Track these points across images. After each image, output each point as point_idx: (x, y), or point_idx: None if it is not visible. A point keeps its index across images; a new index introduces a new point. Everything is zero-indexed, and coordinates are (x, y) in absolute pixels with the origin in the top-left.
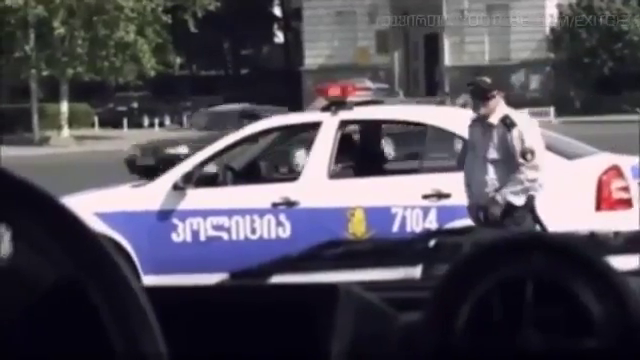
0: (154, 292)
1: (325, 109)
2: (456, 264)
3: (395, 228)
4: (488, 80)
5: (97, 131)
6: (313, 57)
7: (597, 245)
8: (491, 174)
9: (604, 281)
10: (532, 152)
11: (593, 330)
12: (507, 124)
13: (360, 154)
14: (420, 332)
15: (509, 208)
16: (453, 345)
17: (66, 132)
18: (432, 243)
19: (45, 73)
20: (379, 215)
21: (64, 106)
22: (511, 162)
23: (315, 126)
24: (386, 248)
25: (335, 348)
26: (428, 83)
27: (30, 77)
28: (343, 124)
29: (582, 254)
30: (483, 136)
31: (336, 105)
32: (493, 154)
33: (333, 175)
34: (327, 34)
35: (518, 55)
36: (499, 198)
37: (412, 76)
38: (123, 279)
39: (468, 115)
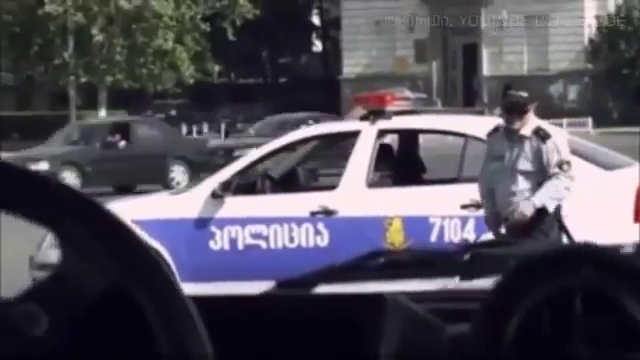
0: (201, 302)
1: (364, 118)
2: (505, 276)
3: (433, 238)
4: (525, 94)
5: None
6: (351, 66)
7: None
8: (521, 185)
9: None
10: (568, 163)
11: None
12: (541, 136)
13: (398, 163)
14: (468, 344)
15: (539, 215)
16: (502, 357)
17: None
18: (473, 254)
19: (83, 80)
20: (417, 225)
21: (102, 113)
22: (542, 174)
23: (353, 135)
24: (429, 259)
25: (382, 359)
26: (466, 93)
27: (69, 84)
28: (382, 133)
29: (631, 266)
30: (512, 147)
31: (375, 114)
32: (525, 165)
33: (371, 184)
34: (366, 43)
35: (556, 65)
36: (536, 201)
37: (450, 86)
38: (169, 283)
39: None
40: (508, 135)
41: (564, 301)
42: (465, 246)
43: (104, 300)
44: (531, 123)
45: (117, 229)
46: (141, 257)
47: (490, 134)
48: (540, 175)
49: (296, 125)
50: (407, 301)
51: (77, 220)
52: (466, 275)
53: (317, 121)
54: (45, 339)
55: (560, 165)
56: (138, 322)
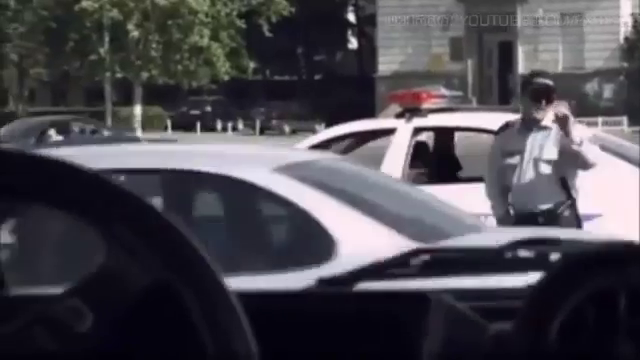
0: (242, 298)
1: (399, 116)
2: (550, 274)
3: None
4: (551, 82)
5: (170, 134)
6: (386, 63)
7: None
8: (547, 174)
9: None
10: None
11: None
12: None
13: (434, 161)
14: (511, 342)
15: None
16: (546, 355)
17: (139, 135)
18: (517, 253)
19: (119, 76)
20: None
21: (137, 109)
22: (565, 162)
23: (389, 132)
24: (472, 256)
25: (425, 357)
26: (501, 91)
27: (104, 80)
28: (417, 131)
29: None
30: (534, 138)
31: (410, 112)
32: (550, 154)
33: (407, 181)
34: (401, 41)
35: (592, 64)
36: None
37: (486, 83)
38: (215, 281)
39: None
40: (527, 126)
41: (608, 299)
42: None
43: (149, 296)
44: (550, 114)
45: (162, 225)
46: (187, 253)
47: (500, 130)
48: (562, 162)
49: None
50: (450, 299)
51: (123, 217)
52: (509, 272)
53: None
54: (89, 335)
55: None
56: (183, 319)
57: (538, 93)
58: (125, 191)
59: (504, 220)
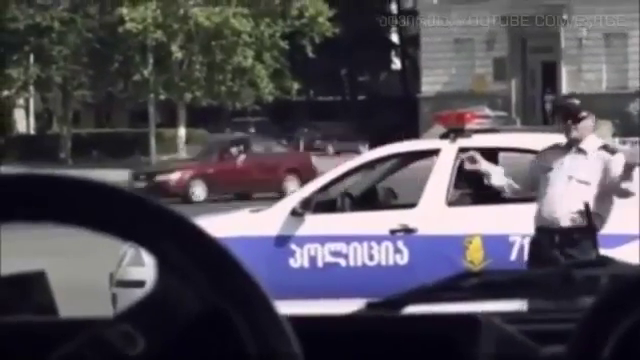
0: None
1: (444, 136)
2: (603, 297)
3: (513, 257)
4: (577, 102)
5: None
6: (430, 84)
7: None
8: (577, 193)
9: None
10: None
11: None
12: (610, 150)
13: (478, 182)
14: None
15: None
16: None
17: (183, 156)
18: (567, 275)
19: (163, 97)
20: (497, 243)
21: (181, 131)
22: (600, 187)
23: (434, 153)
24: (521, 279)
25: None
26: (545, 111)
27: (148, 101)
28: (461, 151)
29: None
30: (573, 157)
31: (455, 132)
32: (584, 176)
33: (451, 202)
34: (444, 61)
35: (635, 83)
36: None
37: (529, 104)
38: (268, 308)
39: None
40: (567, 145)
41: None
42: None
43: (200, 322)
44: (593, 139)
45: (215, 250)
46: (238, 279)
47: (544, 150)
48: (597, 189)
49: None
50: (501, 322)
51: (174, 241)
52: (560, 296)
53: None
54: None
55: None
56: (235, 346)
57: (565, 115)
58: (175, 215)
59: (543, 234)
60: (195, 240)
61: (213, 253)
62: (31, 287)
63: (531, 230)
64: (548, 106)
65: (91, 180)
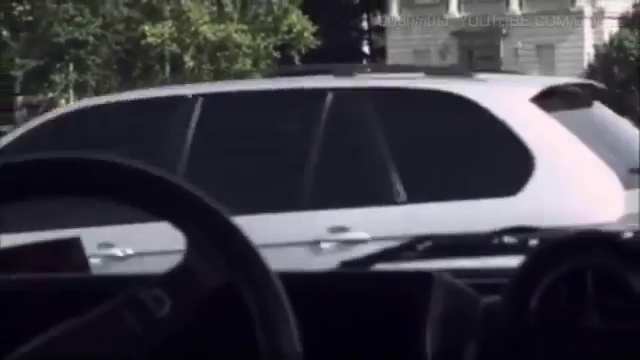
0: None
1: None
2: (530, 257)
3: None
4: None
5: None
6: None
7: None
8: None
9: None
10: None
11: None
12: None
13: None
14: (499, 313)
15: None
16: (526, 323)
17: None
18: (505, 239)
19: None
20: None
21: None
22: None
23: None
24: (467, 242)
25: (429, 323)
26: None
27: None
28: None
29: (635, 249)
30: None
31: None
32: None
33: None
34: None
35: None
36: None
37: None
38: (271, 281)
39: None
40: None
41: (578, 279)
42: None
43: (216, 293)
44: None
45: (231, 231)
46: (248, 254)
47: None
48: None
49: None
50: (450, 277)
51: (197, 220)
52: (498, 254)
53: None
54: (166, 320)
55: None
56: (242, 317)
57: None
58: (200, 197)
59: None
60: (214, 221)
61: (229, 234)
62: (69, 250)
63: None
64: None
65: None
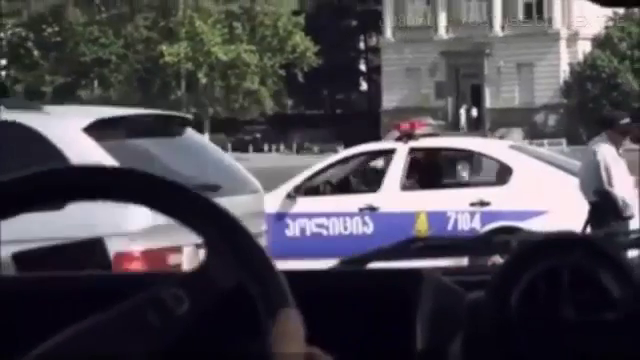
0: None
1: (399, 139)
2: (511, 255)
3: (449, 227)
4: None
5: (229, 154)
6: (389, 101)
7: (613, 241)
8: None
9: (620, 268)
10: None
11: (612, 305)
12: None
13: (424, 172)
14: (483, 307)
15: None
16: (508, 317)
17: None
18: (488, 240)
19: (192, 112)
20: (438, 218)
21: (206, 136)
22: None
23: (391, 152)
24: (455, 243)
25: (419, 320)
26: (470, 120)
27: None
28: (412, 150)
29: (606, 249)
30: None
31: (407, 136)
32: None
33: (404, 188)
34: (399, 84)
35: (540, 100)
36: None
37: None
38: (280, 285)
39: (505, 145)
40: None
41: (555, 276)
42: (485, 233)
43: (230, 295)
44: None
45: (244, 238)
46: (259, 259)
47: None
48: None
49: None
50: (438, 274)
51: (215, 227)
52: (483, 254)
53: None
54: (184, 318)
55: None
56: (252, 318)
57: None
58: (216, 206)
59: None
60: (230, 228)
61: (243, 241)
62: (93, 250)
63: (463, 208)
64: (474, 113)
65: (166, 179)
